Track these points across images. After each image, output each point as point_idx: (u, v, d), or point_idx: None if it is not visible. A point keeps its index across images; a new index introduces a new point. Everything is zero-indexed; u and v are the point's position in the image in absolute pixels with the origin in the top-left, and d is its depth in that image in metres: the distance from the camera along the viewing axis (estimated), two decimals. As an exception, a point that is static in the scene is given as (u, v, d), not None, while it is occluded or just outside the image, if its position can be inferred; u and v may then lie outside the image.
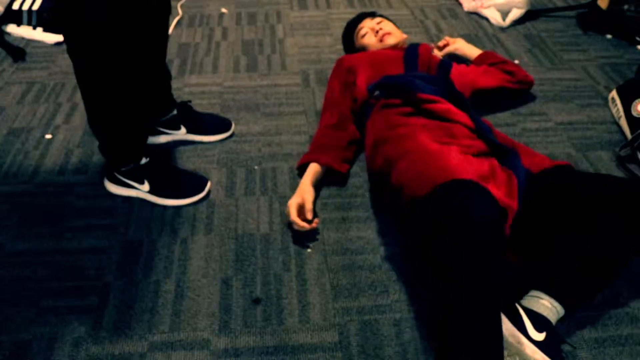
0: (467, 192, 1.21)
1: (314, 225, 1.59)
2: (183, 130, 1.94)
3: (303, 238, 1.61)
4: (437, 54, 2.27)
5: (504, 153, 1.53)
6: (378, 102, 1.77)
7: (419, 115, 1.63)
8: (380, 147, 1.60)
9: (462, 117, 1.60)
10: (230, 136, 1.99)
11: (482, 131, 1.57)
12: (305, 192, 1.65)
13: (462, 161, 1.39)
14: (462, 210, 1.16)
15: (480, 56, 2.20)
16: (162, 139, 1.94)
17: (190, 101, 2.00)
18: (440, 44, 2.30)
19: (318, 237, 1.62)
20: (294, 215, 1.58)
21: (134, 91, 1.56)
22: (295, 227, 1.60)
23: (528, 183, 1.44)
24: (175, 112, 1.90)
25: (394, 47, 2.08)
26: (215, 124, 1.99)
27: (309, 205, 1.62)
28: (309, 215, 1.61)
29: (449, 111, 1.61)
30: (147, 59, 1.64)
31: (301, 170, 1.78)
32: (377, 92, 1.81)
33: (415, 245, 1.56)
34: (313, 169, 1.72)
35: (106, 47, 1.44)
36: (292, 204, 1.61)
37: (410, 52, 1.98)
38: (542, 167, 1.51)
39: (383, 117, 1.69)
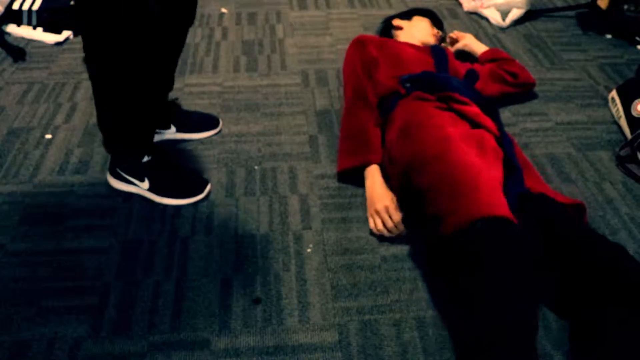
0: (505, 234, 1.27)
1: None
2: (173, 129, 1.94)
3: (392, 241, 1.60)
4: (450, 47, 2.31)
5: (512, 171, 1.53)
6: (410, 94, 1.76)
7: (452, 112, 1.65)
8: (412, 130, 1.59)
9: (491, 125, 1.61)
10: (219, 132, 2.00)
11: (504, 145, 1.58)
12: (390, 194, 1.63)
13: (493, 183, 1.38)
14: (502, 253, 1.24)
15: (485, 53, 2.21)
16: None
17: (177, 99, 2.00)
18: (451, 36, 2.33)
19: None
20: (397, 218, 1.57)
21: (149, 88, 1.55)
22: (395, 232, 1.58)
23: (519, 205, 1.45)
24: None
25: (417, 46, 2.07)
26: (203, 121, 1.99)
27: (394, 205, 1.60)
28: (399, 214, 1.60)
29: (479, 115, 1.62)
30: (165, 59, 1.64)
31: (341, 173, 1.76)
32: (407, 85, 1.79)
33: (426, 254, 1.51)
34: (375, 170, 1.71)
35: (144, 40, 1.42)
36: (382, 210, 1.58)
37: (439, 54, 1.99)
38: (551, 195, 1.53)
39: (417, 105, 1.69)
